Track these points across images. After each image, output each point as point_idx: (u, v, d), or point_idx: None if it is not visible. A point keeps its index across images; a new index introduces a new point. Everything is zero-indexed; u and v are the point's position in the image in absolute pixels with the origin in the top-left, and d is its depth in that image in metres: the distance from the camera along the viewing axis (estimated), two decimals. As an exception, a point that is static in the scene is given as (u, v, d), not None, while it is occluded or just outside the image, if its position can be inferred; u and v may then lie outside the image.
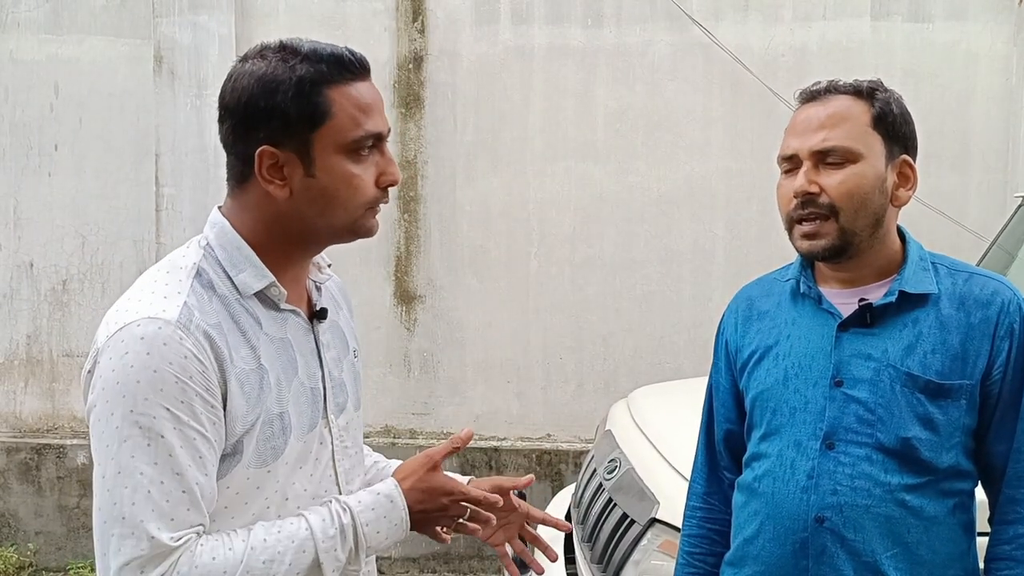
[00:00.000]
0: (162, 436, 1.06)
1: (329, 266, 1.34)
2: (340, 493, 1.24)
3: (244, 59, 1.16)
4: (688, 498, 1.63)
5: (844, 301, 1.40)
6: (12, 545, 4.39)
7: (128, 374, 1.06)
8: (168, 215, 4.33)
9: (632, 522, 2.04)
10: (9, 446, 4.44)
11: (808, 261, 1.46)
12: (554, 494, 3.35)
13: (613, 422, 2.71)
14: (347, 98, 1.14)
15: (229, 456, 1.13)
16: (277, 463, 1.16)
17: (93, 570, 4.25)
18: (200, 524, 1.10)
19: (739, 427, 1.52)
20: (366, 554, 1.19)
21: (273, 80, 1.12)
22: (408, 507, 1.21)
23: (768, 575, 1.40)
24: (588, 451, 2.82)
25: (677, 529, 1.90)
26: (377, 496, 1.20)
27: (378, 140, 1.18)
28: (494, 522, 1.30)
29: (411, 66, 4.40)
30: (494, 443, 4.46)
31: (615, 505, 2.17)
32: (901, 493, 1.32)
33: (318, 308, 1.26)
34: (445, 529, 1.28)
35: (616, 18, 4.36)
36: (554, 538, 2.54)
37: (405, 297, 4.51)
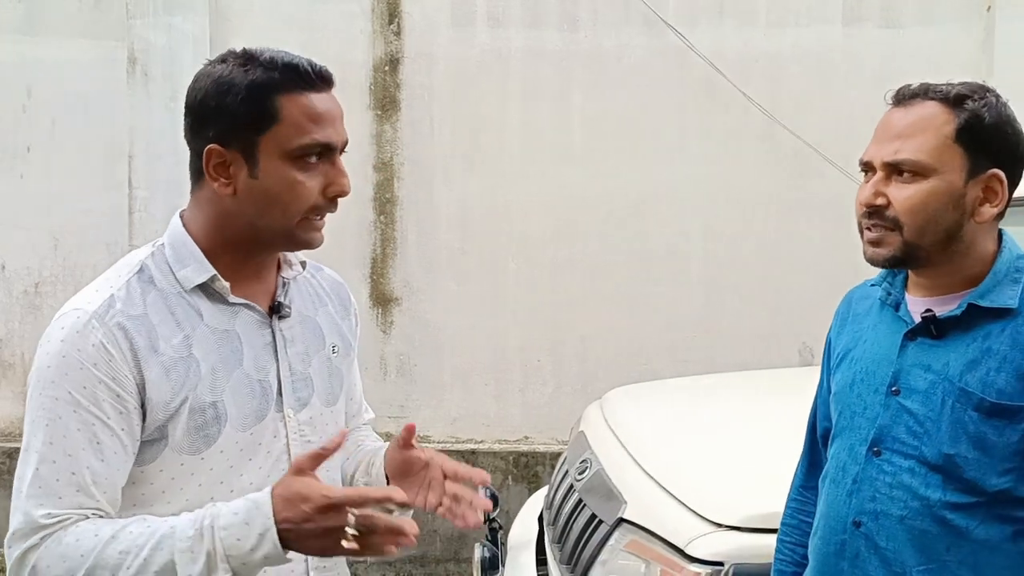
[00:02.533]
0: (60, 418, 1.13)
1: (303, 263, 1.36)
2: None
3: (210, 63, 1.22)
4: (789, 490, 1.64)
5: (921, 309, 1.35)
6: (-18, 551, 4.34)
7: (43, 360, 1.16)
8: (141, 218, 4.30)
9: (600, 522, 2.05)
10: (-20, 451, 4.39)
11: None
12: (531, 496, 3.36)
13: (587, 423, 2.72)
14: (298, 106, 1.18)
15: (156, 440, 1.18)
16: (210, 451, 1.19)
17: None
18: (93, 509, 1.13)
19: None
20: (230, 565, 1.08)
21: (227, 82, 1.17)
22: (275, 514, 1.09)
23: (818, 571, 1.42)
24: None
25: (644, 529, 1.93)
26: (246, 501, 1.12)
27: (328, 150, 1.21)
28: (411, 541, 1.10)
29: (387, 68, 4.40)
30: (471, 446, 4.46)
31: (584, 506, 2.18)
32: (942, 510, 1.28)
33: (276, 303, 1.29)
34: (344, 544, 1.08)
35: (592, 22, 4.38)
36: (527, 542, 2.55)
37: (381, 299, 4.50)
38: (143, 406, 1.16)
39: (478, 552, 2.31)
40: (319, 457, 1.13)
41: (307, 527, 1.08)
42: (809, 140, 4.22)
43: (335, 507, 1.08)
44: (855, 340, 1.45)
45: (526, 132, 4.42)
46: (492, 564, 2.31)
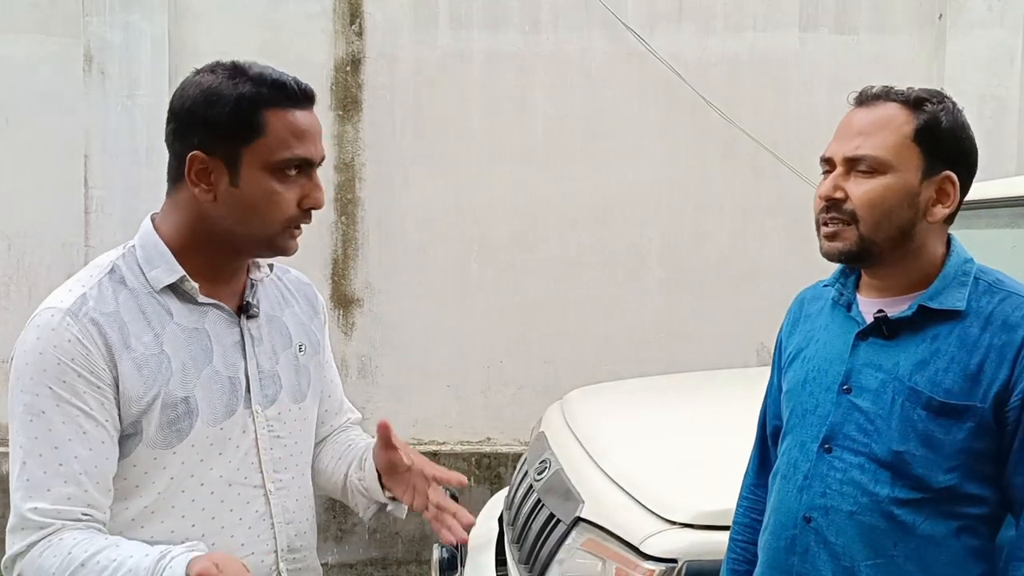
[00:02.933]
0: (43, 412, 1.17)
1: (270, 265, 1.43)
2: (264, 481, 1.32)
3: (198, 72, 1.27)
4: (740, 488, 1.66)
5: (873, 310, 1.38)
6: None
7: (21, 358, 1.20)
8: (97, 217, 4.24)
9: (558, 522, 2.06)
10: (-71, 456, 4.29)
11: (851, 267, 1.44)
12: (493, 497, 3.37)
13: (547, 424, 2.74)
14: (282, 121, 1.24)
15: (131, 435, 1.22)
16: (182, 445, 1.24)
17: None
18: (85, 504, 1.17)
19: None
20: None
21: (216, 93, 1.23)
22: None
23: (768, 565, 1.45)
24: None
25: (601, 528, 1.94)
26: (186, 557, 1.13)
27: (307, 165, 1.28)
28: None
29: (348, 69, 4.38)
30: (433, 447, 4.45)
31: (543, 506, 2.19)
32: (890, 506, 1.31)
33: (244, 303, 1.35)
34: None
35: (553, 25, 4.41)
36: (487, 542, 2.56)
37: (342, 301, 4.48)
38: (117, 401, 1.20)
39: (436, 553, 2.31)
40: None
41: None
42: (766, 143, 4.29)
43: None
44: (807, 340, 1.48)
45: (488, 134, 4.43)
46: (450, 565, 2.31)
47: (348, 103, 4.41)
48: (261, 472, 1.32)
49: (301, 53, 4.33)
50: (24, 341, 1.21)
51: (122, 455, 1.22)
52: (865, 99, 1.38)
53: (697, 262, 4.47)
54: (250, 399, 1.31)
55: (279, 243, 1.29)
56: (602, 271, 4.47)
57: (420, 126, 4.43)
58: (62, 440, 1.16)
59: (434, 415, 4.52)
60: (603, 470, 2.15)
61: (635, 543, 1.84)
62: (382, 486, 1.46)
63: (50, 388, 1.17)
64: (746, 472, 1.67)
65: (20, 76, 4.35)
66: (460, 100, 4.42)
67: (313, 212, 1.30)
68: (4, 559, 1.17)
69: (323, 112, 4.41)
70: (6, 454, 4.24)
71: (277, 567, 1.34)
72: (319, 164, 1.31)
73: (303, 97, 1.27)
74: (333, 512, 4.30)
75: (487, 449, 4.44)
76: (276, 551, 1.33)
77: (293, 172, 1.26)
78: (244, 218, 1.25)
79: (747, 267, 4.42)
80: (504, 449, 4.43)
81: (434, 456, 4.38)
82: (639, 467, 2.13)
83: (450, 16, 4.40)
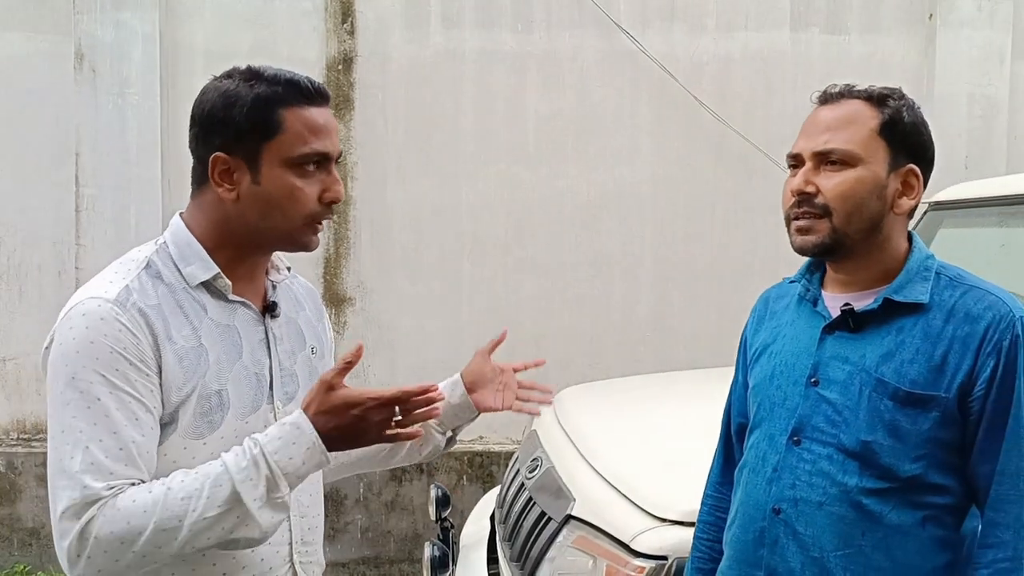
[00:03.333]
0: (99, 399, 1.20)
1: (288, 269, 1.48)
2: None
3: (216, 78, 1.33)
4: (705, 486, 1.67)
5: (838, 305, 1.41)
6: (-78, 558, 4.23)
7: (70, 346, 1.21)
8: (88, 216, 4.22)
9: (549, 520, 2.07)
10: (-81, 455, 4.27)
11: (817, 264, 1.48)
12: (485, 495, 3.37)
13: (539, 422, 2.74)
14: (299, 118, 1.29)
15: (167, 425, 1.26)
16: (212, 436, 1.29)
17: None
18: (139, 479, 1.22)
19: (749, 421, 1.55)
20: (288, 482, 1.24)
21: (234, 95, 1.28)
22: (319, 431, 1.25)
23: (736, 559, 1.46)
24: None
25: (592, 526, 1.95)
26: (283, 426, 1.26)
27: (324, 160, 1.32)
28: (438, 412, 1.33)
29: (340, 67, 4.38)
30: (425, 446, 4.45)
31: (534, 504, 2.19)
32: (858, 496, 1.33)
33: (270, 303, 1.40)
34: (387, 433, 1.29)
35: (546, 24, 4.41)
36: (479, 540, 2.56)
37: (335, 300, 4.48)
38: (161, 389, 1.25)
39: (428, 551, 2.31)
40: (345, 369, 1.27)
41: (356, 428, 1.26)
42: (758, 143, 4.30)
43: (384, 404, 1.26)
44: (773, 336, 1.50)
45: (480, 133, 4.43)
46: (442, 563, 2.32)
47: (340, 102, 4.40)
48: None
49: (293, 52, 4.32)
50: (70, 329, 1.22)
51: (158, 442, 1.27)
52: (829, 97, 1.42)
53: (688, 261, 4.48)
54: (272, 395, 1.37)
55: (301, 238, 1.33)
56: (594, 270, 4.48)
57: (412, 125, 4.43)
58: (120, 426, 1.20)
59: (426, 414, 4.52)
60: (594, 468, 2.16)
61: (626, 540, 1.85)
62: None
63: (103, 376, 1.20)
64: (710, 470, 1.68)
65: (10, 74, 4.33)
66: (452, 99, 4.42)
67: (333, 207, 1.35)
68: (72, 536, 1.17)
69: (315, 111, 4.41)
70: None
71: (290, 558, 1.38)
72: (337, 159, 1.35)
73: (317, 95, 1.31)
74: (325, 511, 4.29)
75: (479, 448, 4.45)
76: (291, 543, 1.38)
77: (312, 167, 1.30)
78: (267, 214, 1.30)
79: (738, 266, 4.43)
80: (496, 448, 4.44)
81: (426, 455, 4.38)
82: (630, 465, 2.14)
83: (442, 15, 4.40)
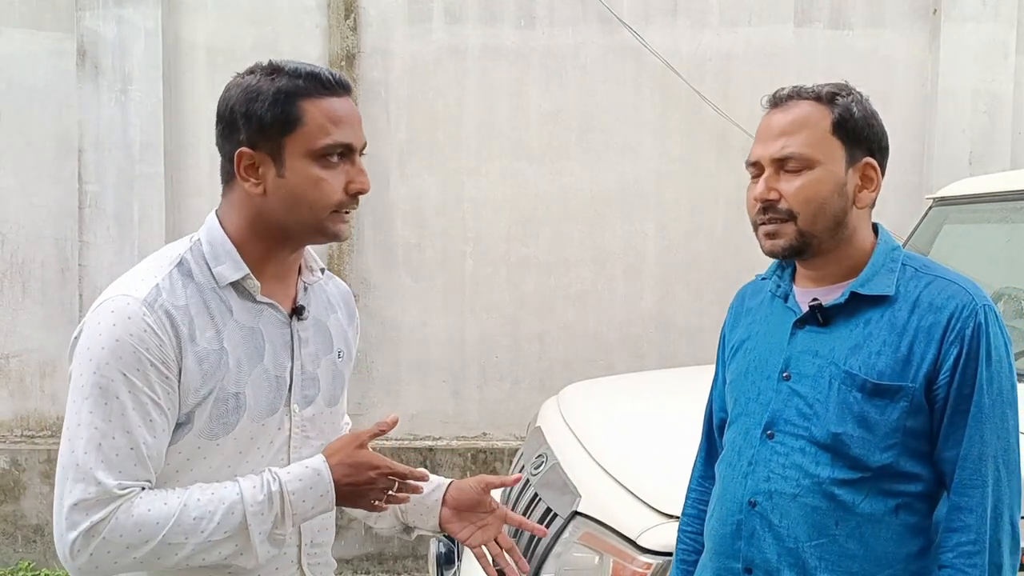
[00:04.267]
0: (117, 397, 1.21)
1: (323, 270, 1.48)
2: None
3: (240, 75, 1.33)
4: (688, 480, 1.70)
5: (808, 299, 1.44)
6: (-74, 555, 4.23)
7: (96, 341, 1.23)
8: (91, 212, 4.22)
9: (555, 516, 2.07)
10: (-77, 452, 4.28)
11: (787, 261, 1.50)
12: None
13: (543, 419, 2.74)
14: (320, 110, 1.29)
15: (182, 424, 1.27)
16: (227, 438, 1.30)
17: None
18: (147, 480, 1.24)
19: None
20: (292, 521, 1.28)
21: (255, 90, 1.29)
22: (335, 481, 1.30)
23: (714, 552, 1.48)
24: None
25: (597, 522, 1.95)
26: (305, 469, 1.30)
27: (348, 151, 1.32)
28: (422, 490, 1.40)
29: (343, 64, 4.37)
30: (429, 443, 4.46)
31: (540, 500, 2.19)
32: (831, 486, 1.35)
33: (298, 306, 1.39)
34: (377, 501, 1.35)
35: (548, 20, 4.40)
36: (484, 534, 2.56)
37: (338, 296, 4.47)
38: (179, 391, 1.26)
39: (433, 547, 2.31)
40: (378, 434, 1.34)
41: (366, 488, 1.32)
42: (761, 138, 4.29)
43: (394, 475, 1.33)
44: (748, 332, 1.53)
45: (483, 129, 4.43)
46: (447, 559, 2.32)
47: (343, 98, 4.39)
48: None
49: (295, 48, 4.32)
50: (98, 324, 1.23)
51: (171, 441, 1.27)
52: (779, 101, 1.45)
53: (692, 257, 4.48)
54: (290, 398, 1.37)
55: (329, 228, 1.32)
56: (597, 266, 4.48)
57: (415, 121, 4.42)
58: (134, 425, 1.21)
59: (430, 410, 4.53)
60: (599, 464, 2.16)
61: (632, 536, 1.85)
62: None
63: (124, 374, 1.21)
64: (694, 464, 1.70)
65: (13, 71, 4.33)
66: (455, 95, 4.42)
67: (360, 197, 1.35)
68: (78, 532, 1.19)
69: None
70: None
71: (299, 560, 1.39)
72: (362, 150, 1.35)
73: (338, 86, 1.32)
74: (329, 507, 4.29)
75: (483, 444, 4.45)
76: (300, 545, 1.39)
77: (335, 159, 1.30)
78: (294, 207, 1.30)
79: (742, 261, 4.42)
80: (500, 444, 4.44)
81: (430, 451, 4.39)
82: (635, 461, 2.14)
83: (444, 11, 4.40)
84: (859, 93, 1.43)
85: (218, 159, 1.35)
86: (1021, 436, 1.39)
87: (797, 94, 1.43)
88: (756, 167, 1.44)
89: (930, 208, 3.11)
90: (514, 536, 2.26)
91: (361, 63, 4.40)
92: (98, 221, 4.21)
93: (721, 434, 1.59)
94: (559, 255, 4.47)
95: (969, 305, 1.34)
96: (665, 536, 1.81)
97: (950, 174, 4.10)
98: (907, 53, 4.42)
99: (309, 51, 4.33)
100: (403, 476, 1.34)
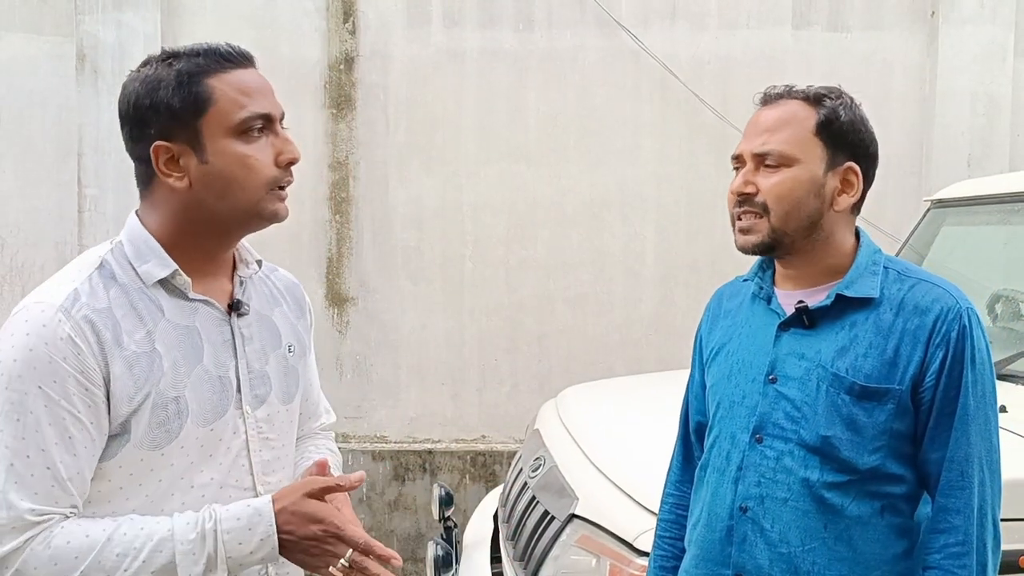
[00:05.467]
0: (31, 412, 1.12)
1: (259, 262, 1.38)
2: (255, 484, 1.28)
3: (133, 71, 1.25)
4: (664, 485, 1.69)
5: (791, 302, 1.44)
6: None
7: (8, 353, 1.13)
8: (91, 216, 4.23)
9: (553, 519, 2.07)
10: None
11: (768, 263, 1.51)
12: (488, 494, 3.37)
13: (542, 421, 2.74)
14: (227, 84, 1.21)
15: (118, 436, 1.17)
16: (171, 447, 1.19)
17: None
18: (69, 505, 1.14)
19: (708, 419, 1.56)
20: (227, 566, 1.17)
21: (155, 79, 1.20)
22: (278, 526, 1.18)
23: (702, 558, 1.47)
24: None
25: (595, 524, 1.95)
26: (247, 507, 1.20)
27: (268, 121, 1.23)
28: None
29: (342, 67, 4.38)
30: (428, 445, 4.46)
31: (538, 503, 2.19)
32: (820, 490, 1.35)
33: (235, 301, 1.30)
34: (332, 568, 1.20)
35: (547, 23, 4.41)
36: (482, 540, 2.56)
37: (337, 299, 4.48)
38: (108, 400, 1.16)
39: (431, 550, 2.31)
40: (337, 489, 1.22)
41: (308, 544, 1.19)
42: (760, 141, 4.29)
43: (342, 540, 1.19)
44: (729, 335, 1.52)
45: (482, 132, 4.43)
46: (445, 562, 2.32)
47: (342, 101, 4.40)
48: (252, 475, 1.29)
49: (295, 51, 4.33)
50: (11, 335, 1.14)
51: (107, 456, 1.17)
52: (769, 98, 1.45)
53: (690, 259, 4.48)
54: (240, 399, 1.28)
55: (267, 208, 1.24)
56: (596, 269, 4.48)
57: (414, 124, 4.43)
58: (50, 443, 1.12)
59: (429, 413, 4.53)
60: (597, 467, 2.16)
61: (629, 539, 1.85)
62: None
63: (39, 388, 1.12)
64: (669, 469, 1.69)
65: (12, 75, 4.34)
66: (454, 98, 4.42)
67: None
68: None
69: (317, 110, 4.43)
70: None
71: (266, 568, 1.30)
72: (281, 119, 1.26)
73: (241, 57, 1.24)
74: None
75: (482, 447, 4.45)
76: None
77: (257, 133, 1.22)
78: (225, 192, 1.21)
79: (740, 264, 4.41)
80: (499, 447, 4.44)
81: (429, 454, 4.39)
82: (633, 463, 2.14)
83: (443, 14, 4.40)
84: (850, 98, 1.43)
85: None
86: (1001, 435, 1.39)
87: (788, 93, 1.44)
88: (739, 160, 1.45)
89: (928, 210, 3.11)
90: (513, 536, 2.26)
91: (360, 66, 4.40)
92: (98, 225, 4.22)
93: (699, 438, 1.58)
94: (558, 258, 4.48)
95: (954, 308, 1.35)
96: (662, 539, 1.80)
97: (948, 176, 4.10)
98: (905, 56, 4.43)
99: (308, 54, 4.34)
100: (353, 544, 1.19)
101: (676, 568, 1.57)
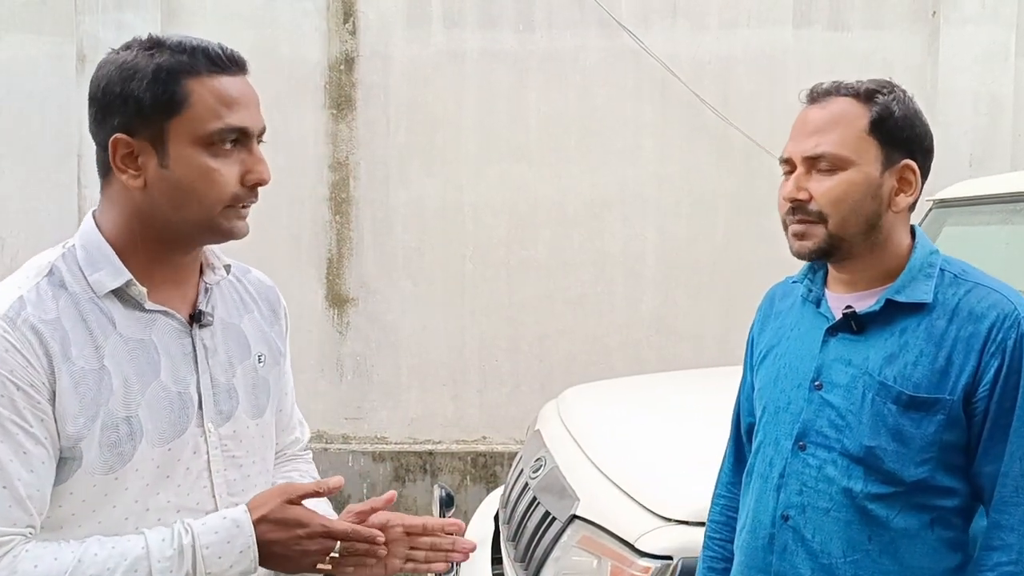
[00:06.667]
0: None
1: (227, 267, 1.29)
2: (216, 505, 1.20)
3: (115, 50, 1.15)
4: (715, 486, 1.64)
5: (841, 305, 1.38)
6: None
7: None
8: (91, 217, 4.22)
9: (554, 519, 2.06)
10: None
11: (819, 263, 1.44)
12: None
13: (542, 422, 2.74)
14: (208, 90, 1.11)
15: (69, 460, 1.10)
16: (125, 470, 1.11)
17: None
18: (29, 526, 1.07)
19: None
20: None
21: (132, 67, 1.11)
22: (257, 537, 1.13)
23: (746, 565, 1.44)
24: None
25: (596, 525, 1.94)
26: (223, 520, 1.14)
27: (244, 136, 1.15)
28: (382, 554, 1.21)
29: (342, 67, 4.38)
30: (429, 446, 4.45)
31: (539, 504, 2.18)
32: (864, 501, 1.31)
33: (196, 311, 1.21)
34: (320, 564, 1.18)
35: (547, 23, 4.40)
36: (483, 540, 2.55)
37: (337, 300, 4.47)
38: (54, 417, 1.08)
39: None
40: (315, 495, 1.18)
41: (294, 548, 1.16)
42: (760, 140, 4.29)
43: (332, 536, 1.16)
44: (778, 337, 1.47)
45: (482, 132, 4.43)
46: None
47: (342, 102, 4.40)
48: (214, 497, 1.20)
49: (295, 52, 4.32)
50: None
51: (58, 480, 1.09)
52: (817, 96, 1.37)
53: (691, 259, 4.48)
54: (202, 416, 1.19)
55: (223, 225, 1.15)
56: (597, 269, 4.48)
57: (414, 125, 4.43)
58: (4, 460, 1.04)
59: (430, 414, 4.52)
60: (598, 468, 2.15)
61: (630, 540, 1.84)
62: None
63: None
64: (721, 470, 1.65)
65: (13, 75, 4.33)
66: (454, 99, 4.42)
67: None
68: None
69: (317, 111, 4.42)
70: None
71: None
72: (260, 136, 1.17)
73: (230, 62, 1.14)
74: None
75: (483, 448, 4.44)
76: None
77: (229, 146, 1.13)
78: (180, 202, 1.12)
79: (742, 265, 4.42)
80: (500, 448, 4.43)
81: (430, 455, 4.38)
82: (634, 464, 2.13)
83: (443, 14, 4.40)
84: (902, 91, 1.35)
85: None
86: None
87: (835, 90, 1.35)
88: (788, 164, 1.37)
89: (930, 210, 3.11)
90: (514, 537, 2.26)
91: (360, 67, 4.40)
92: (97, 225, 4.22)
93: (750, 439, 1.53)
94: (559, 259, 4.47)
95: (1011, 315, 1.27)
96: (664, 540, 1.80)
97: (950, 176, 4.08)
98: (906, 55, 4.42)
99: (308, 55, 4.34)
100: (343, 536, 1.17)
101: (725, 570, 1.53)
